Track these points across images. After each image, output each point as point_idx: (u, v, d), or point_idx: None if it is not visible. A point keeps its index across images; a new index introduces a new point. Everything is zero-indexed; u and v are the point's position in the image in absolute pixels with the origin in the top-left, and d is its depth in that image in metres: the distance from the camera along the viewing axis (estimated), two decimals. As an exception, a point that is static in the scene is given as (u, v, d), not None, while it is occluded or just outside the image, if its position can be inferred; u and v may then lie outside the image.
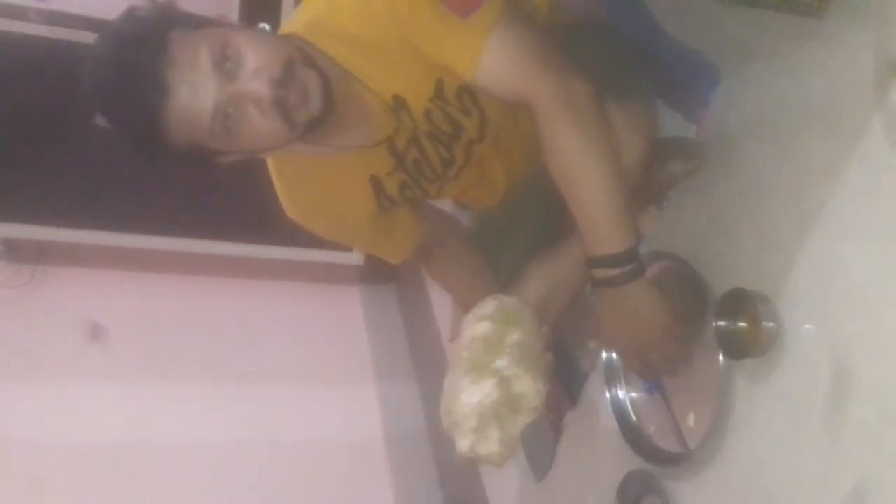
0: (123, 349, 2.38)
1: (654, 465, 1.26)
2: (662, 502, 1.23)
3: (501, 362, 0.98)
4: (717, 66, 1.23)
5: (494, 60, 1.00)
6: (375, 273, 2.78)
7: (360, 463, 2.34)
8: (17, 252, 2.45)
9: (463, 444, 0.97)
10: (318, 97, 0.95)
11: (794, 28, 1.07)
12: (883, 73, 0.92)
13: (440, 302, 2.39)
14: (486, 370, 0.98)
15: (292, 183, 1.20)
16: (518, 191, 1.37)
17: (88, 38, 2.39)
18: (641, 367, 1.12)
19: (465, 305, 1.23)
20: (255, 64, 0.91)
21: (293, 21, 1.08)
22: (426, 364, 2.53)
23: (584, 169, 1.00)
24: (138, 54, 0.88)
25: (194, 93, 0.89)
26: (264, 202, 1.25)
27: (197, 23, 0.93)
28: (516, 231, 1.35)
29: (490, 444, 0.96)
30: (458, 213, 1.54)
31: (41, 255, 2.48)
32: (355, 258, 2.75)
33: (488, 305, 1.03)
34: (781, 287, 1.06)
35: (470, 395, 0.96)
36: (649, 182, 1.24)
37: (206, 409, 2.31)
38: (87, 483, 2.09)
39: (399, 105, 1.10)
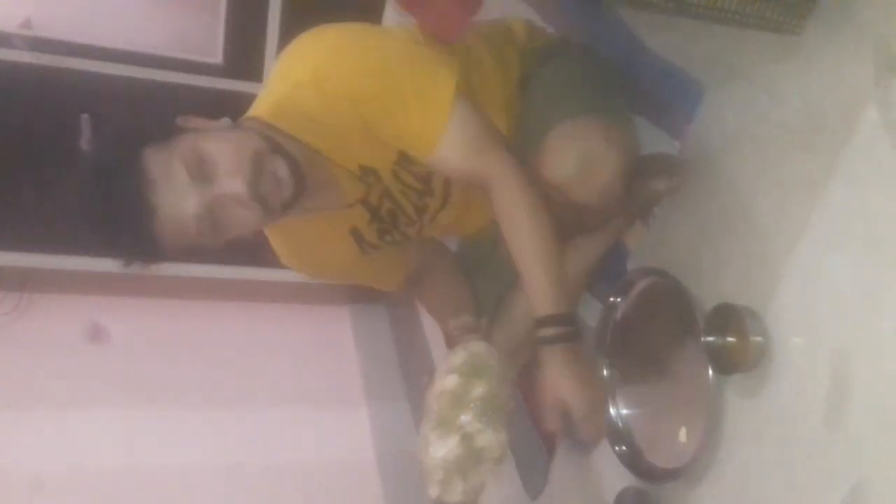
0: (110, 374, 2.36)
1: (647, 482, 1.25)
2: (656, 519, 1.23)
3: (465, 418, 1.07)
4: (700, 82, 1.24)
5: (450, 148, 1.07)
6: (365, 293, 2.77)
7: (353, 483, 2.33)
8: (2, 280, 2.43)
9: (432, 491, 1.09)
10: (288, 181, 1.01)
11: (774, 45, 1.08)
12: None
13: (430, 320, 2.38)
14: (452, 426, 1.07)
15: (281, 240, 1.26)
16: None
17: (73, 63, 2.40)
18: (563, 425, 1.15)
19: (446, 336, 1.27)
20: (228, 165, 0.97)
21: (257, 104, 1.12)
22: (417, 382, 2.51)
23: (530, 239, 1.09)
24: (121, 185, 0.93)
25: (179, 207, 0.95)
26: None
27: (164, 135, 0.98)
28: (500, 255, 1.36)
29: (455, 495, 1.08)
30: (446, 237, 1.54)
31: (26, 282, 2.46)
32: (344, 278, 2.74)
33: (458, 357, 1.11)
34: (768, 301, 1.06)
35: (437, 450, 1.06)
36: (634, 198, 1.25)
37: (197, 432, 2.30)
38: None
39: (366, 172, 1.15)
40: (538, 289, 1.08)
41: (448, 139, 1.06)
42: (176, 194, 0.94)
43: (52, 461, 2.12)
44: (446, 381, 1.08)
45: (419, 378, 2.40)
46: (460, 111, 1.06)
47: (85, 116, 2.16)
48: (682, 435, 1.18)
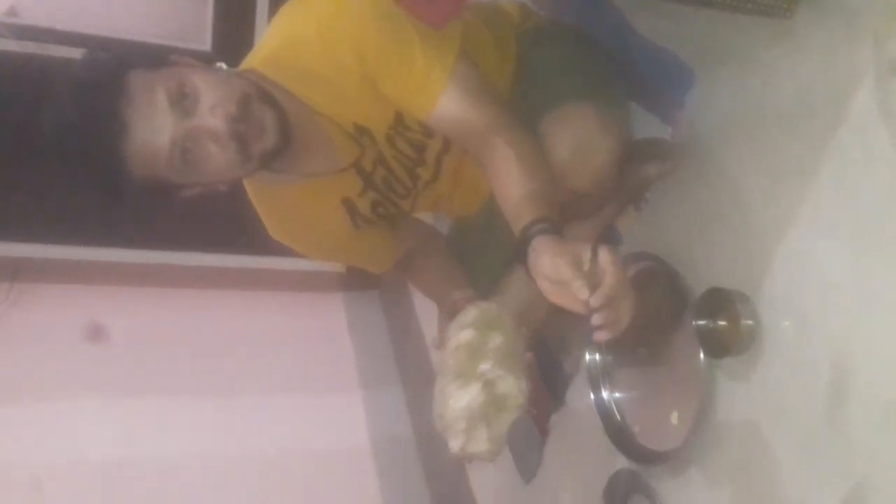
0: (105, 364, 2.36)
1: (639, 464, 1.27)
2: (649, 500, 1.24)
3: (485, 366, 1.03)
4: (691, 67, 1.25)
5: (449, 106, 1.05)
6: (357, 280, 2.78)
7: (348, 469, 2.33)
8: (-7, 270, 2.41)
9: (455, 444, 1.04)
10: (273, 131, 0.98)
11: (765, 29, 1.08)
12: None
13: (424, 307, 2.39)
14: (472, 375, 1.03)
15: (271, 209, 1.23)
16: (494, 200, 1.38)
17: (58, 51, 2.37)
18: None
19: (447, 311, 1.25)
20: (211, 100, 0.94)
21: (251, 56, 1.10)
22: (411, 369, 2.53)
23: (515, 173, 1.02)
24: (98, 95, 0.91)
25: (152, 129, 0.92)
26: (241, 212, 1.26)
27: (155, 63, 0.96)
28: (493, 238, 1.36)
29: (480, 443, 1.03)
30: (438, 221, 1.54)
31: (18, 272, 2.45)
32: (337, 266, 2.74)
33: (469, 313, 1.08)
34: (759, 285, 1.08)
35: (458, 400, 1.02)
36: (626, 183, 1.25)
37: (192, 420, 2.29)
38: (77, 499, 2.06)
39: (361, 132, 1.13)
40: (518, 201, 0.98)
41: (449, 93, 1.04)
42: (152, 117, 0.92)
43: (47, 453, 2.10)
44: (461, 336, 1.06)
45: (413, 364, 2.42)
46: (462, 66, 1.06)
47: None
48: (674, 418, 1.19)
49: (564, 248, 0.89)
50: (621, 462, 1.31)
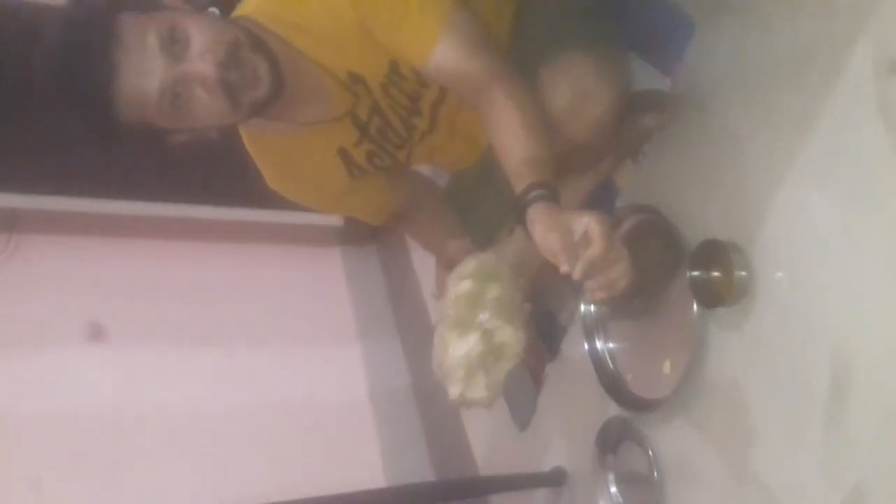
0: (104, 315, 2.37)
1: (631, 412, 1.30)
2: (640, 447, 1.28)
3: (484, 316, 1.06)
4: (692, 18, 1.23)
5: (446, 53, 1.04)
6: (355, 234, 2.78)
7: (347, 420, 2.37)
8: (-9, 221, 2.41)
9: (453, 391, 1.07)
10: (265, 80, 0.98)
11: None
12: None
13: (421, 260, 2.40)
14: (471, 325, 1.06)
15: (267, 158, 1.23)
16: (492, 151, 1.38)
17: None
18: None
19: (446, 262, 1.27)
20: (202, 46, 0.94)
21: (245, 3, 1.09)
22: (409, 322, 2.55)
23: (515, 134, 1.02)
24: (87, 35, 0.90)
25: (141, 72, 0.91)
26: (240, 165, 1.26)
27: (146, 6, 0.95)
28: (491, 190, 1.36)
29: (478, 390, 1.07)
30: (436, 173, 1.54)
31: (16, 223, 2.45)
32: (334, 219, 2.74)
33: (469, 265, 1.10)
34: (753, 237, 1.09)
35: (457, 349, 1.05)
36: (624, 135, 1.25)
37: (191, 372, 2.31)
38: (76, 451, 2.08)
39: (355, 80, 1.12)
40: (518, 163, 0.98)
41: (445, 40, 1.03)
42: (142, 60, 0.91)
43: (47, 402, 2.12)
44: (460, 287, 1.08)
45: (411, 317, 2.44)
46: (459, 13, 1.05)
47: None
48: (667, 367, 1.22)
49: (557, 220, 0.91)
50: (613, 410, 1.34)
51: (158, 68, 0.92)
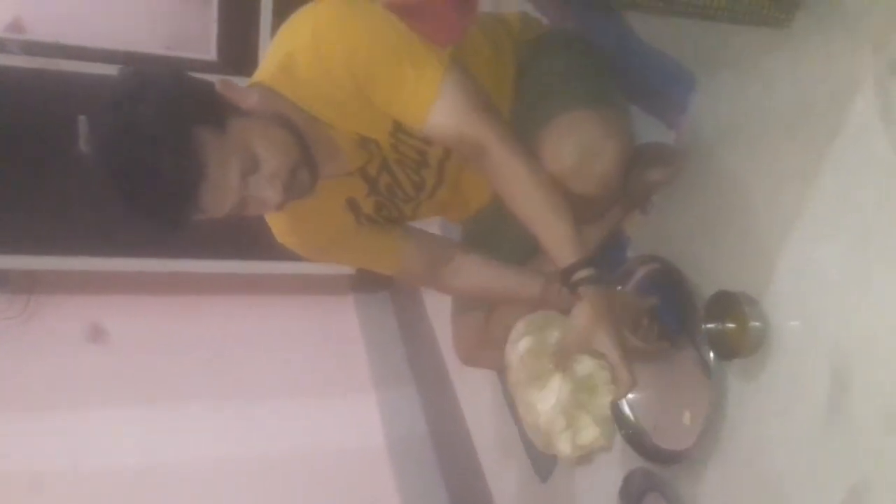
0: (120, 374, 2.38)
1: (653, 463, 1.30)
2: (664, 499, 1.27)
3: (554, 361, 1.03)
4: (692, 72, 1.26)
5: (443, 115, 1.07)
6: (368, 282, 2.80)
7: (365, 470, 2.36)
8: (10, 283, 2.45)
9: (563, 447, 1.01)
10: (308, 188, 1.07)
11: (765, 36, 1.10)
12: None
13: (434, 305, 2.42)
14: (546, 372, 1.03)
15: (276, 213, 1.24)
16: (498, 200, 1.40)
17: (66, 65, 2.40)
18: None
19: (512, 294, 1.31)
20: (271, 171, 1.01)
21: (261, 70, 1.13)
22: (424, 368, 2.56)
23: (537, 200, 1.09)
24: (170, 158, 0.94)
25: (219, 202, 0.99)
26: (251, 218, 1.28)
27: (214, 113, 0.99)
28: (504, 237, 1.38)
29: (588, 430, 1.01)
30: (446, 226, 1.56)
31: (34, 284, 2.48)
32: (346, 268, 2.76)
33: (518, 328, 1.09)
34: (765, 288, 1.10)
35: (546, 401, 1.00)
36: (632, 188, 1.27)
37: (207, 427, 2.32)
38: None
39: (365, 141, 1.16)
40: (559, 238, 1.07)
41: (442, 102, 1.06)
42: (224, 194, 0.98)
43: (63, 463, 2.13)
44: (520, 347, 1.05)
45: (426, 363, 2.44)
46: (454, 75, 1.07)
47: (82, 118, 2.17)
48: (687, 418, 1.22)
49: (598, 330, 1.02)
50: (636, 462, 1.33)
51: (236, 192, 0.99)
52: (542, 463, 1.67)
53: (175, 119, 0.95)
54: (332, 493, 2.26)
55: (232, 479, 2.22)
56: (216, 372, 2.46)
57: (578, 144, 1.14)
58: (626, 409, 1.34)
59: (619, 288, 1.32)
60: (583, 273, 1.04)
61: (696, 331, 1.17)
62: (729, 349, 1.12)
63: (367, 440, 2.41)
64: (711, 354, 1.15)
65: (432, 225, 1.69)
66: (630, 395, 1.34)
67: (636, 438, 1.32)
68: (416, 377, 2.60)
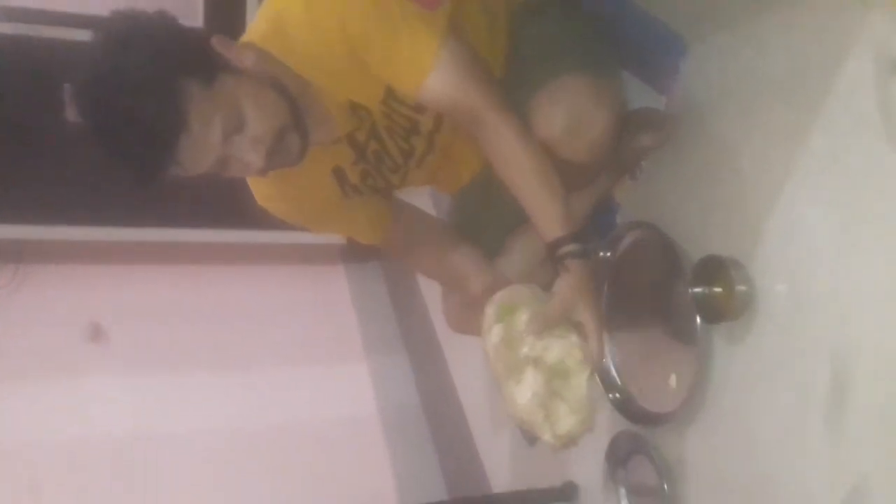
0: (113, 342, 2.39)
1: (639, 425, 1.31)
2: (650, 460, 1.29)
3: (525, 349, 1.04)
4: (683, 36, 1.25)
5: (439, 83, 1.06)
6: (359, 251, 2.80)
7: (357, 437, 2.38)
8: (-2, 252, 2.44)
9: (547, 438, 1.04)
10: (296, 155, 1.05)
11: (755, 0, 1.09)
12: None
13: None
14: (519, 364, 1.04)
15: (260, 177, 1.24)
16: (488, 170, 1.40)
17: (50, 32, 2.36)
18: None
19: (471, 299, 1.30)
20: (256, 134, 0.99)
21: (251, 30, 1.11)
22: (415, 337, 2.57)
23: (528, 172, 1.09)
24: (154, 107, 0.92)
25: (200, 154, 0.97)
26: (242, 187, 1.27)
27: (204, 66, 0.97)
28: (495, 206, 1.38)
29: (564, 420, 1.03)
30: (437, 195, 1.56)
31: (22, 254, 2.47)
32: (337, 238, 2.76)
33: (487, 315, 1.09)
34: (753, 252, 1.10)
35: (523, 395, 1.02)
36: (622, 153, 1.27)
37: (199, 395, 2.33)
38: (87, 479, 2.10)
39: (356, 107, 1.15)
40: (549, 210, 1.08)
41: (437, 68, 1.05)
42: (204, 147, 0.97)
43: (53, 433, 2.15)
44: (492, 337, 1.06)
45: (417, 332, 2.45)
46: (450, 44, 1.06)
47: (67, 86, 2.14)
48: (673, 381, 1.23)
49: (584, 290, 1.06)
50: (622, 424, 1.35)
51: (217, 150, 0.98)
52: (531, 428, 1.69)
53: (162, 67, 0.93)
54: (323, 462, 2.27)
55: (220, 447, 2.24)
56: (207, 341, 2.47)
57: (569, 110, 1.14)
58: (613, 372, 1.35)
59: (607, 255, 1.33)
60: (570, 248, 1.06)
61: (683, 295, 1.17)
62: (715, 313, 1.13)
63: (359, 408, 2.43)
64: (698, 318, 1.16)
65: (422, 194, 1.69)
66: (616, 359, 1.35)
67: (622, 401, 1.33)
68: (407, 345, 2.61)
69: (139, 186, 0.99)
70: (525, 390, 1.02)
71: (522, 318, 1.06)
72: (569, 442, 1.04)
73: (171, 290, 2.61)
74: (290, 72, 1.07)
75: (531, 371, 1.02)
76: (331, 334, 2.63)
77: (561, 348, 1.02)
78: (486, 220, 1.40)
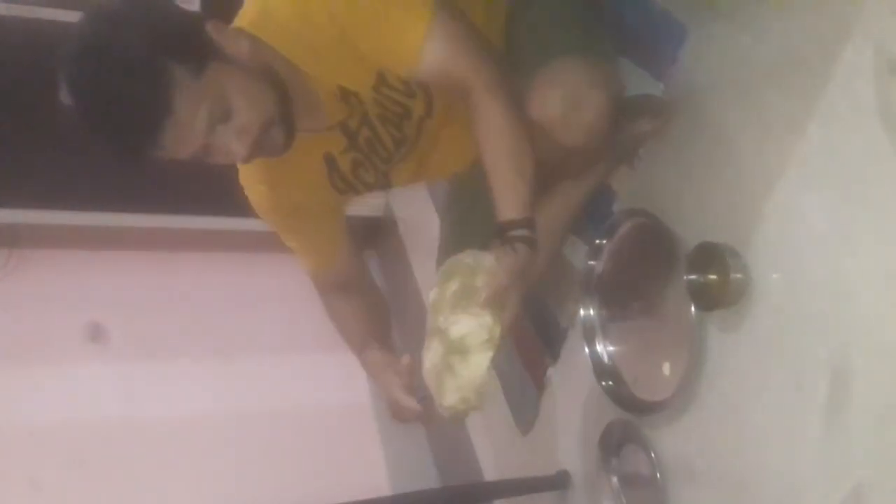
0: (108, 328, 2.38)
1: (633, 414, 1.31)
2: (643, 449, 1.29)
3: (441, 318, 1.03)
4: (683, 23, 1.25)
5: (432, 56, 1.05)
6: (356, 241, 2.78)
7: (351, 427, 2.38)
8: (-9, 237, 2.42)
9: (438, 405, 1.05)
10: (281, 146, 1.05)
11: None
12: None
13: (420, 265, 2.42)
14: (432, 332, 1.05)
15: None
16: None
17: (44, 13, 2.34)
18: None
19: (361, 361, 1.31)
20: (241, 124, 0.99)
21: (241, 16, 1.10)
22: (409, 327, 2.56)
23: (504, 149, 1.08)
24: (138, 93, 0.91)
25: (185, 139, 0.96)
26: (230, 173, 1.26)
27: (195, 52, 0.95)
28: (486, 196, 1.38)
29: (449, 394, 1.03)
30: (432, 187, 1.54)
31: (16, 239, 2.46)
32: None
33: (439, 273, 1.09)
34: (749, 239, 1.10)
35: (426, 361, 1.04)
36: (619, 141, 1.26)
37: (193, 383, 2.33)
38: (78, 461, 2.10)
39: (346, 93, 1.14)
40: (513, 190, 1.06)
41: (431, 39, 1.04)
42: (190, 133, 0.96)
43: (44, 418, 2.14)
44: (430, 297, 1.07)
45: (411, 324, 2.45)
46: (443, 12, 1.05)
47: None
48: (666, 369, 1.23)
49: (513, 288, 1.05)
50: (615, 413, 1.35)
51: (201, 137, 0.97)
52: (524, 416, 1.69)
53: (153, 48, 0.92)
54: (316, 450, 2.27)
55: (213, 434, 2.24)
56: (200, 327, 2.46)
57: (566, 92, 1.12)
58: (606, 360, 1.35)
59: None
60: (523, 232, 1.05)
61: (678, 282, 1.17)
62: (710, 301, 1.12)
63: (352, 396, 2.42)
64: (692, 306, 1.16)
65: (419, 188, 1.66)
66: (610, 347, 1.35)
67: (615, 389, 1.33)
68: (402, 335, 2.60)
69: (122, 166, 0.99)
70: (428, 357, 1.04)
71: (453, 286, 1.05)
72: (455, 415, 1.05)
73: (166, 277, 2.60)
74: (280, 58, 1.06)
75: (436, 341, 1.03)
76: (325, 322, 2.62)
77: (468, 326, 1.02)
78: (478, 208, 1.39)
